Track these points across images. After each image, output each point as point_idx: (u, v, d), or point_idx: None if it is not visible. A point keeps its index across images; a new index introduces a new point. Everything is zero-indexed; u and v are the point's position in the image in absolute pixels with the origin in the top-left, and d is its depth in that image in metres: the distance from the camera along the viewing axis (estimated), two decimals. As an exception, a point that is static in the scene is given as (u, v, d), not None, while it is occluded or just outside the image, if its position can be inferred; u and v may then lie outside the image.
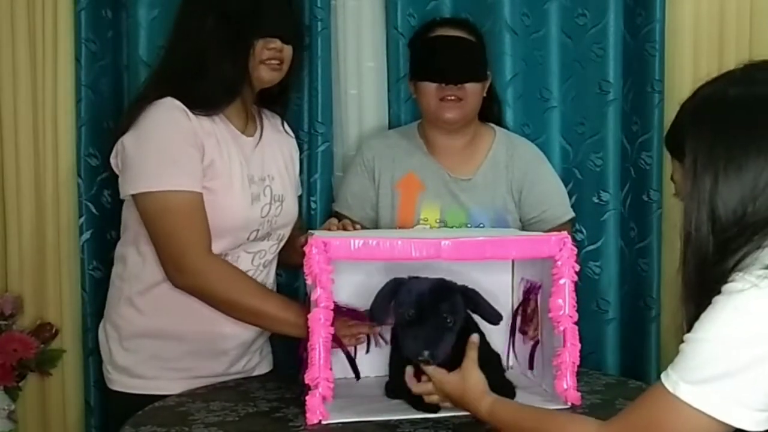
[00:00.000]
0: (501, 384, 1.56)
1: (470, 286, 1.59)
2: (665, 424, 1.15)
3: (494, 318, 1.59)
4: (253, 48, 1.80)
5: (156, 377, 1.81)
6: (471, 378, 1.47)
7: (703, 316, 1.14)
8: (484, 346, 1.62)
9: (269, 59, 1.82)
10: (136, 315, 1.83)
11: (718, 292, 1.13)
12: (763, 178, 1.15)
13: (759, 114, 1.17)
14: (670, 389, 1.14)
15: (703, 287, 1.16)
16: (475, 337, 1.53)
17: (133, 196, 1.76)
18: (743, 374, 1.10)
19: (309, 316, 1.49)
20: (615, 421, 1.22)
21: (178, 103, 1.76)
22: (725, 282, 1.13)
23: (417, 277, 1.59)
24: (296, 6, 1.93)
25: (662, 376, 1.16)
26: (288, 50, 1.86)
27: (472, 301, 1.57)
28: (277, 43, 1.82)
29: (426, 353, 1.49)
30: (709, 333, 1.12)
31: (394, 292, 1.56)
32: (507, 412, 1.39)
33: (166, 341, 1.82)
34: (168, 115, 1.75)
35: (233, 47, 1.78)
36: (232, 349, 1.86)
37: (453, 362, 1.51)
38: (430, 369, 1.51)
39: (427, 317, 1.52)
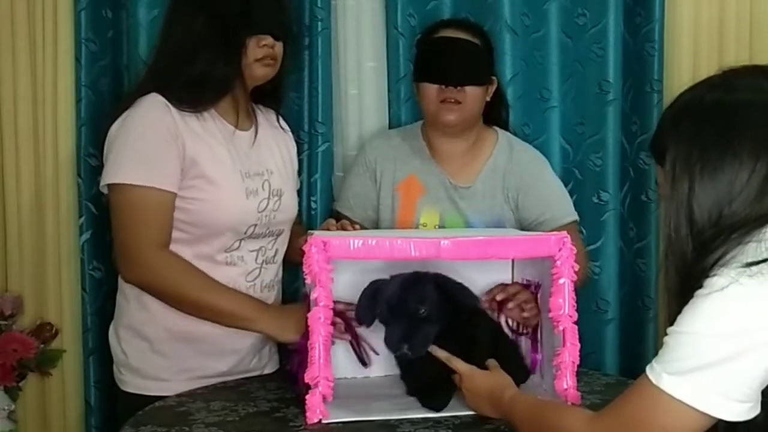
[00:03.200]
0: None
1: (443, 274, 1.61)
2: (650, 415, 1.17)
3: (470, 300, 1.61)
4: (245, 46, 1.80)
5: (169, 378, 1.81)
6: (497, 372, 1.54)
7: (685, 309, 1.16)
8: (512, 351, 1.68)
9: (263, 57, 1.82)
10: (148, 317, 1.83)
11: (700, 287, 1.16)
12: (739, 181, 1.18)
13: (735, 119, 1.20)
14: (654, 381, 1.17)
15: (683, 286, 1.19)
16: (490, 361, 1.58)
17: (108, 186, 1.77)
18: (724, 366, 1.12)
19: (309, 315, 1.50)
20: (604, 412, 1.25)
21: (161, 98, 1.77)
22: (706, 277, 1.15)
23: (399, 274, 1.61)
24: (285, 2, 1.92)
25: (647, 368, 1.19)
26: (280, 47, 1.86)
27: (445, 288, 1.58)
28: (269, 40, 1.82)
29: (404, 347, 1.53)
30: (691, 326, 1.15)
31: (373, 293, 1.58)
32: (523, 401, 1.43)
33: (179, 342, 1.83)
34: (148, 111, 1.76)
35: (225, 46, 1.78)
36: (243, 348, 1.87)
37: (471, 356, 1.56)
38: (460, 363, 1.54)
39: (399, 312, 1.55)
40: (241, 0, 1.79)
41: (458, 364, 1.55)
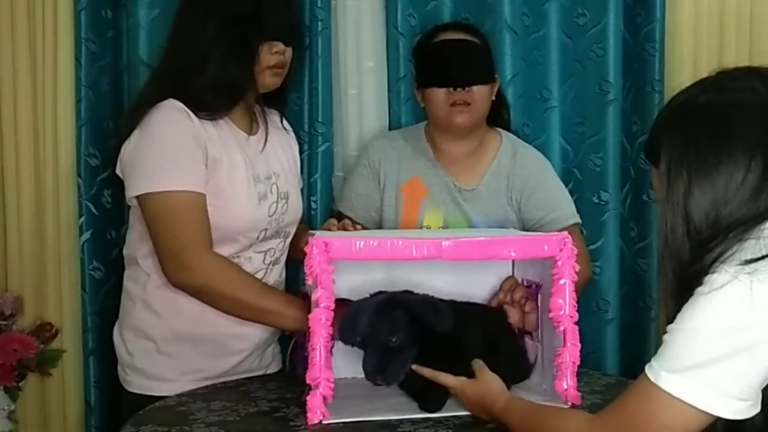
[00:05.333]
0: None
1: (414, 297, 1.57)
2: (648, 414, 1.17)
3: (442, 324, 1.53)
4: (258, 53, 1.79)
5: (174, 379, 1.81)
6: (486, 378, 1.50)
7: (685, 307, 1.17)
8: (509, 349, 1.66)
9: (275, 65, 1.81)
10: (153, 318, 1.83)
11: (700, 284, 1.16)
12: (735, 181, 1.18)
13: (729, 120, 1.21)
14: (653, 379, 1.17)
15: (682, 286, 1.20)
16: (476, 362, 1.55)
17: (136, 197, 1.76)
18: (722, 363, 1.12)
19: (309, 316, 1.50)
20: (603, 413, 1.25)
21: (179, 104, 1.76)
22: (705, 274, 1.16)
23: (379, 293, 1.58)
24: (296, 7, 1.92)
25: (646, 366, 1.19)
26: (289, 52, 1.86)
27: (413, 314, 1.52)
28: (280, 47, 1.82)
29: (378, 378, 1.51)
30: (689, 323, 1.15)
31: (353, 316, 1.53)
32: (517, 408, 1.42)
33: (184, 343, 1.83)
34: (170, 117, 1.74)
35: (238, 52, 1.77)
36: (247, 348, 1.87)
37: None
38: (447, 378, 1.52)
39: (371, 343, 1.51)
40: (253, 5, 1.78)
41: (445, 380, 1.52)
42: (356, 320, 1.52)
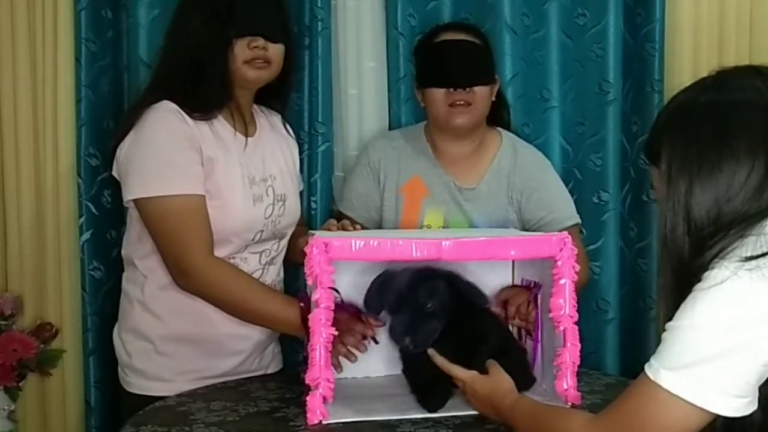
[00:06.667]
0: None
1: (455, 272, 1.60)
2: (648, 412, 1.17)
3: (479, 300, 1.59)
4: (231, 47, 1.78)
5: (173, 379, 1.82)
6: (498, 375, 1.51)
7: (683, 304, 1.17)
8: (519, 357, 1.67)
9: (253, 59, 1.80)
10: (151, 319, 1.84)
11: (699, 281, 1.16)
12: (737, 180, 1.18)
13: (731, 119, 1.21)
14: (652, 377, 1.17)
15: (680, 284, 1.20)
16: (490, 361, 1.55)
17: (134, 201, 1.76)
18: (721, 360, 1.12)
19: (309, 316, 1.50)
20: (604, 413, 1.25)
21: (173, 106, 1.76)
22: (704, 271, 1.16)
23: (408, 267, 1.60)
24: (282, 4, 1.90)
25: (646, 365, 1.19)
26: (275, 48, 1.84)
27: (455, 285, 1.56)
28: (259, 42, 1.80)
29: (407, 340, 1.53)
30: (689, 320, 1.15)
31: (383, 283, 1.57)
32: (524, 407, 1.42)
33: (183, 343, 1.83)
34: (164, 119, 1.75)
35: (214, 48, 1.77)
36: (246, 348, 1.88)
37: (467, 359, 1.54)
38: (459, 371, 1.53)
39: (406, 305, 1.54)
40: (226, 1, 1.78)
41: (457, 372, 1.53)
42: (391, 283, 1.54)
